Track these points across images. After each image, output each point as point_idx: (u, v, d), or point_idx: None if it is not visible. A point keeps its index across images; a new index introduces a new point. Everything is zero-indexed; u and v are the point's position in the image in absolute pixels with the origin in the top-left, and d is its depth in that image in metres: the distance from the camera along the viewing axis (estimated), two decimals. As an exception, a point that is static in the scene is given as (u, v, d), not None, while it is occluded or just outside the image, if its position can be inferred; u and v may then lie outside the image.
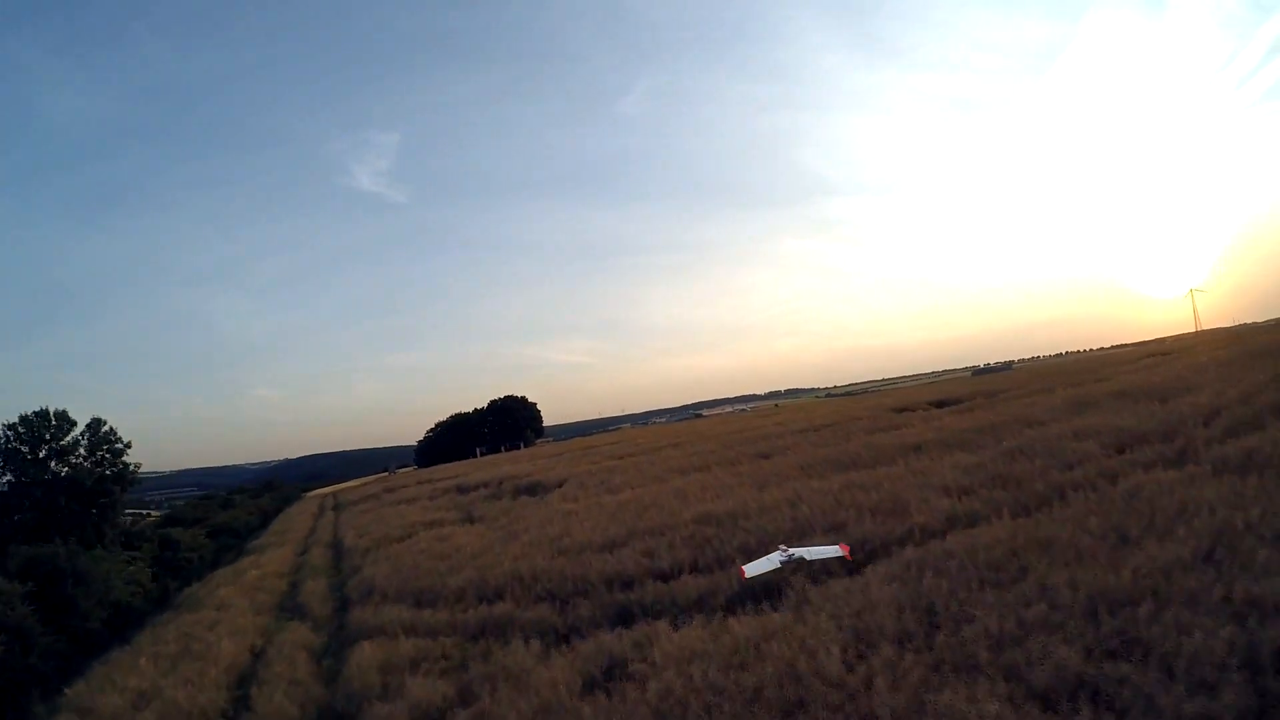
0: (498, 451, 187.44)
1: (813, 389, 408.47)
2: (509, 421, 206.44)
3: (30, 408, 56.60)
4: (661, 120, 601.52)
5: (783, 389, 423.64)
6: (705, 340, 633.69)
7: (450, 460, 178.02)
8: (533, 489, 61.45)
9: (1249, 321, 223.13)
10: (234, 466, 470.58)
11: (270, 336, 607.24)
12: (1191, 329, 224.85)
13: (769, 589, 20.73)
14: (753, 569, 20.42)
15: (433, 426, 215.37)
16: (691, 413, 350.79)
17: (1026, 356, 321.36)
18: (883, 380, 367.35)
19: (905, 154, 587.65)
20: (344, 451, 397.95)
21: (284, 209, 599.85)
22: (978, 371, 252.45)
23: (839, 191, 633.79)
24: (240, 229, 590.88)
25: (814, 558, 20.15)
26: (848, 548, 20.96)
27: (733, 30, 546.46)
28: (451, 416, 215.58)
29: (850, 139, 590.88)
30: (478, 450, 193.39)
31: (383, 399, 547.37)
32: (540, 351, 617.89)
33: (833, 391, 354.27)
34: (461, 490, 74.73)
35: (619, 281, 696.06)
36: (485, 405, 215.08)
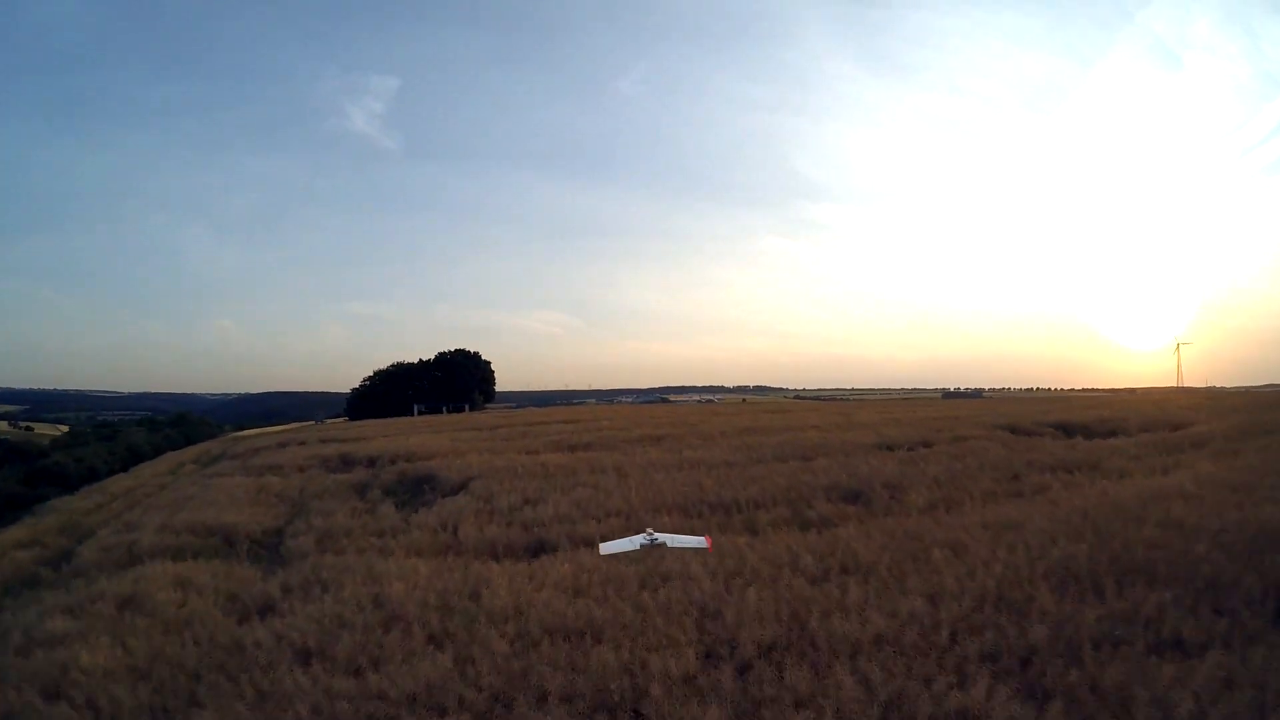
0: (438, 412, 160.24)
1: (781, 388, 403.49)
2: (456, 379, 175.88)
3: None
4: (656, 106, 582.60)
5: (750, 385, 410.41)
6: (676, 329, 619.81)
7: (384, 415, 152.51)
8: (420, 485, 39.17)
9: (1218, 385, 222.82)
10: (192, 395, 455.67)
11: (239, 270, 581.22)
12: (1172, 383, 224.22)
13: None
14: (608, 548, 17.88)
15: (370, 374, 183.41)
16: (658, 396, 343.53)
17: (998, 386, 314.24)
18: (851, 389, 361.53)
19: (897, 169, 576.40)
20: (304, 392, 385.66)
21: (268, 142, 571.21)
22: (947, 394, 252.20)
23: (826, 197, 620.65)
24: (220, 157, 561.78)
25: (675, 545, 17.73)
26: (710, 540, 18.52)
27: (739, 25, 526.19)
28: (392, 365, 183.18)
29: (843, 147, 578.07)
30: (415, 408, 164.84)
31: (347, 346, 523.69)
32: (511, 319, 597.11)
33: (801, 394, 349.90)
34: (345, 464, 51.09)
35: (596, 261, 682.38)
36: (432, 357, 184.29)
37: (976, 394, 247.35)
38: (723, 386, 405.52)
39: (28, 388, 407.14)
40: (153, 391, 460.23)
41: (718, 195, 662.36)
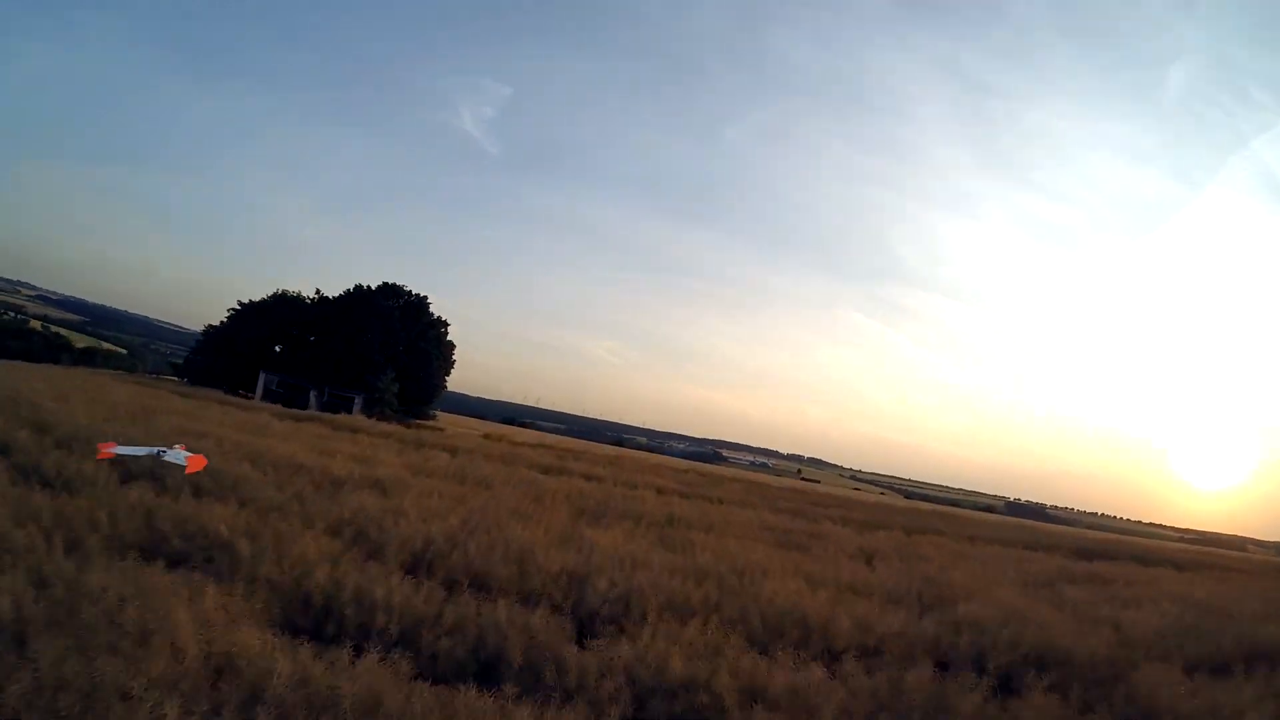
0: (300, 404, 68.53)
1: (835, 465, 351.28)
2: (358, 349, 73.66)
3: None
4: (761, 158, 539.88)
5: (804, 455, 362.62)
6: (738, 381, 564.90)
7: (223, 385, 71.72)
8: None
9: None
10: None
11: (324, 242, 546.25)
12: (1234, 527, 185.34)
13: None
14: (121, 450, 16.22)
15: (233, 307, 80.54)
16: (711, 449, 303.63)
17: (1060, 505, 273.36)
18: (909, 480, 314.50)
19: (990, 267, 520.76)
20: None
21: (379, 126, 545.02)
22: (1011, 505, 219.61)
23: (913, 283, 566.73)
24: (331, 130, 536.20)
25: (169, 460, 15.99)
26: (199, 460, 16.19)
27: (856, 93, 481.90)
28: (273, 295, 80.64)
29: (940, 235, 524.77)
30: (263, 382, 73.94)
31: None
32: (573, 339, 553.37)
33: (858, 474, 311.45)
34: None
35: (670, 297, 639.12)
36: (341, 294, 79.92)
37: (1040, 511, 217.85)
38: (777, 452, 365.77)
39: (99, 303, 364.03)
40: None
41: (806, 258, 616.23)
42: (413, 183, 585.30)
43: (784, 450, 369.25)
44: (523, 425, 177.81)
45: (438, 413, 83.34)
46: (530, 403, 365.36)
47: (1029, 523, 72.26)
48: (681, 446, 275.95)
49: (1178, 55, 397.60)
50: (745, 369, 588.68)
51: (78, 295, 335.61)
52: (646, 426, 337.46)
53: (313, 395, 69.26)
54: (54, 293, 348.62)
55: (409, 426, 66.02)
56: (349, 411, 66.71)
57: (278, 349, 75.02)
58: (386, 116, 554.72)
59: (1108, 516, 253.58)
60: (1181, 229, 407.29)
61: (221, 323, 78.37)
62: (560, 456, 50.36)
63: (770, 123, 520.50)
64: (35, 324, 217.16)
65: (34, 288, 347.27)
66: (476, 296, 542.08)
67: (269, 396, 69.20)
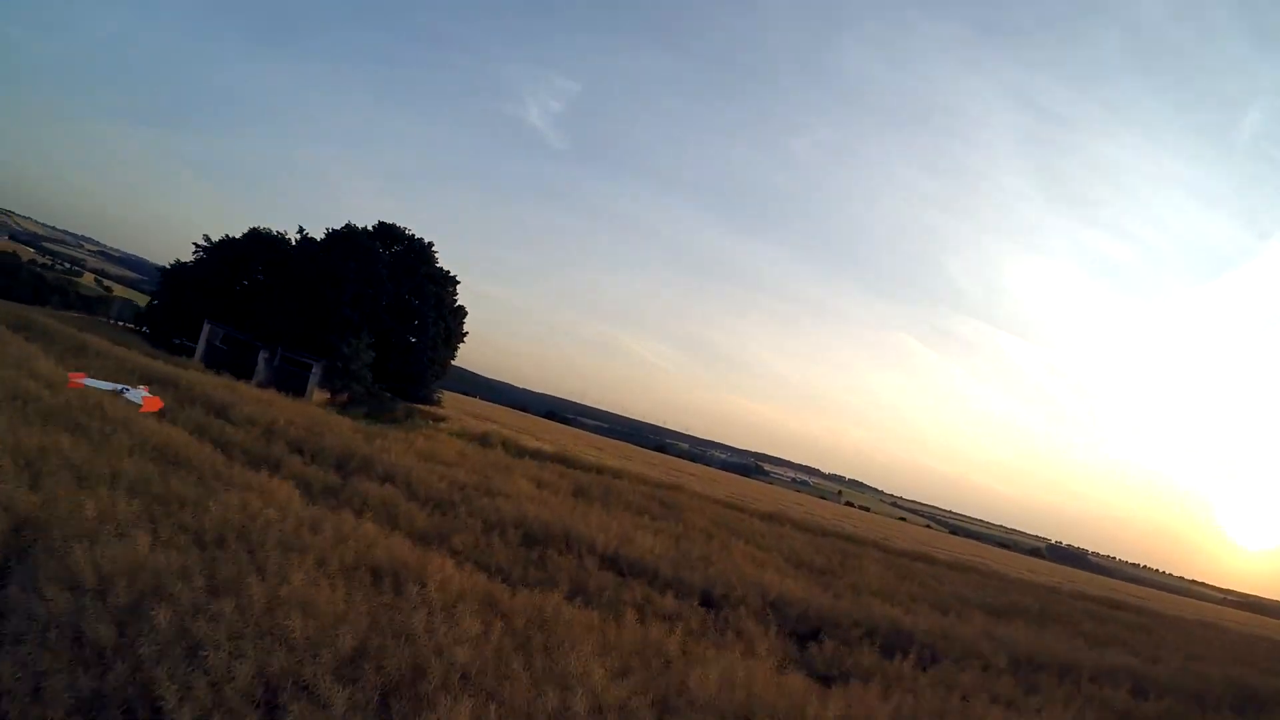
0: (277, 381, 49.00)
1: (875, 489, 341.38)
2: (321, 300, 50.31)
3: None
4: (824, 172, 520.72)
5: (845, 476, 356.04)
6: (782, 394, 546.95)
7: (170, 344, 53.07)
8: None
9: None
10: None
11: (384, 219, 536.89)
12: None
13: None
14: (90, 382, 17.32)
15: (199, 244, 58.28)
16: (753, 462, 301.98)
17: (1102, 552, 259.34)
18: (948, 510, 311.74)
19: (1046, 301, 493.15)
20: None
21: (446, 110, 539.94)
22: (1051, 549, 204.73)
23: (970, 312, 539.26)
24: (397, 109, 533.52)
25: (128, 399, 17.27)
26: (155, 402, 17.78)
27: (924, 113, 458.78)
28: (251, 233, 58.41)
29: (999, 266, 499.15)
30: (206, 335, 51.87)
31: (470, 322, 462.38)
32: (625, 340, 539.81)
33: (899, 501, 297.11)
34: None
35: (722, 306, 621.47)
36: (327, 232, 55.55)
37: (1082, 557, 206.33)
38: (818, 470, 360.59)
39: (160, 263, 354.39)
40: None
41: (863, 278, 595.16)
42: (476, 170, 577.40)
43: (825, 469, 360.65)
44: (564, 421, 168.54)
45: (441, 394, 63.25)
46: (574, 398, 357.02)
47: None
48: (723, 456, 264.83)
49: (1254, 97, 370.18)
50: (791, 384, 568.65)
51: (140, 254, 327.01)
52: (688, 432, 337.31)
53: (262, 357, 49.65)
54: (117, 250, 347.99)
55: (385, 417, 46.40)
56: (301, 388, 47.10)
57: (236, 296, 54.77)
58: (451, 103, 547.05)
59: (1148, 569, 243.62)
60: (1247, 277, 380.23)
61: (181, 262, 58.79)
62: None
63: (837, 138, 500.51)
64: (89, 277, 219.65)
65: (97, 243, 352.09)
66: (529, 286, 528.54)
67: (211, 356, 50.03)
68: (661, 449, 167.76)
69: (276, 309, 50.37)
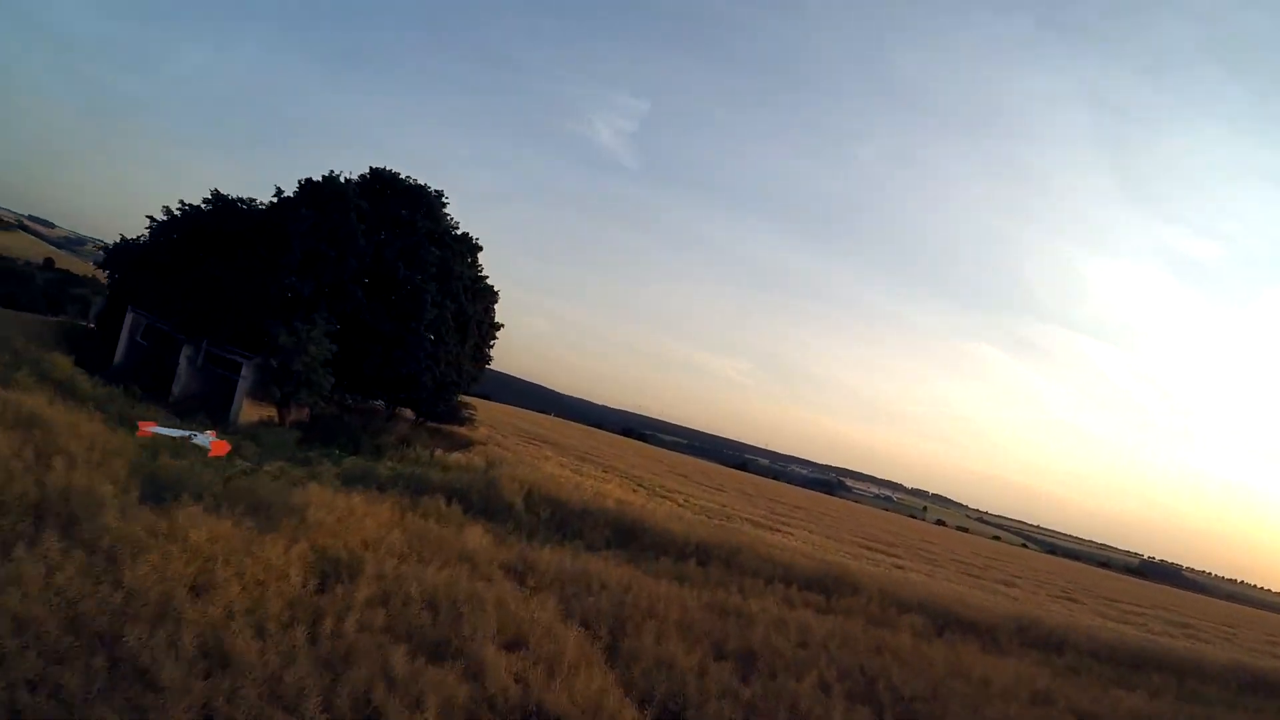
0: (195, 392, 31.55)
1: (960, 504, 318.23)
2: (259, 272, 31.61)
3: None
4: (891, 180, 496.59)
5: (928, 490, 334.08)
6: (859, 411, 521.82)
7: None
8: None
9: None
10: None
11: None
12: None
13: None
14: (160, 430, 17.27)
15: (153, 217, 38.21)
16: (835, 477, 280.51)
17: (1197, 568, 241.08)
18: (1034, 526, 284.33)
19: (1126, 303, 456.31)
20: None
21: (517, 132, 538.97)
22: (1145, 564, 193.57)
23: (1046, 317, 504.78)
24: (467, 132, 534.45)
25: (196, 443, 17.12)
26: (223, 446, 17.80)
27: (989, 116, 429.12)
28: (214, 198, 37.27)
29: (1077, 269, 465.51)
30: (184, 357, 34.39)
31: (539, 340, 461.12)
32: (701, 357, 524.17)
33: (984, 516, 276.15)
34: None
35: (796, 321, 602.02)
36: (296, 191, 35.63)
37: (1176, 573, 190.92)
38: (901, 485, 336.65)
39: None
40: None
41: (935, 287, 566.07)
42: (547, 189, 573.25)
43: (908, 485, 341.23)
44: (642, 438, 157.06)
45: (473, 409, 44.44)
46: (651, 414, 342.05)
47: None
48: (804, 472, 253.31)
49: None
50: (868, 398, 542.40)
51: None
52: (768, 448, 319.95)
53: (184, 357, 31.60)
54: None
55: (360, 444, 28.15)
56: (222, 407, 28.91)
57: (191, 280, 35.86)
58: (522, 125, 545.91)
59: (1247, 584, 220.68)
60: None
61: (128, 240, 40.04)
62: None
63: (903, 146, 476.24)
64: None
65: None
66: (606, 305, 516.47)
67: (131, 356, 32.75)
68: (743, 466, 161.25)
69: (204, 285, 31.72)
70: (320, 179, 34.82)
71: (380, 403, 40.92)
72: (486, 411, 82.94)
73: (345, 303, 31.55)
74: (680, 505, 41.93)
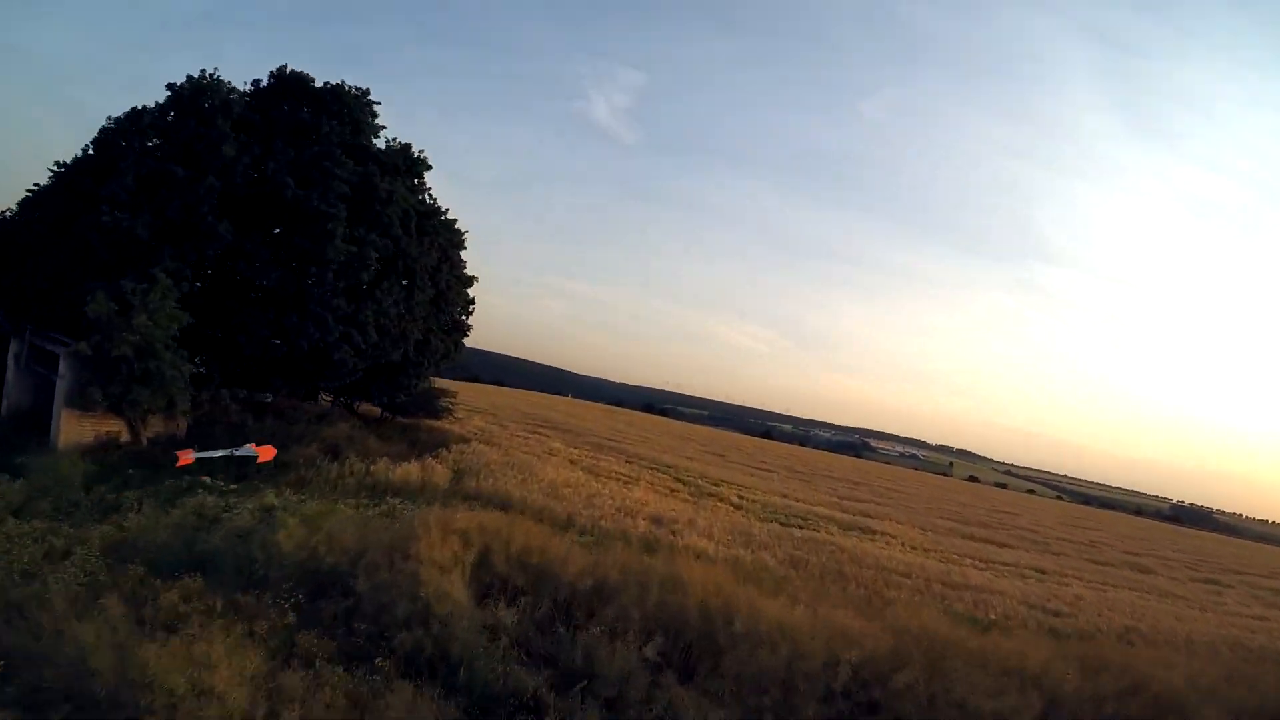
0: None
1: (986, 458, 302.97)
2: (87, 220, 20.15)
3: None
4: (897, 133, 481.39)
5: (953, 446, 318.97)
6: (880, 370, 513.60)
7: None
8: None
9: None
10: None
11: (474, 229, 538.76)
12: None
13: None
14: (201, 455, 13.36)
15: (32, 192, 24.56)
16: (859, 438, 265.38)
17: (1228, 510, 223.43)
18: (1063, 476, 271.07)
19: (1147, 247, 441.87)
20: (511, 357, 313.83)
21: (515, 115, 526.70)
22: (1175, 508, 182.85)
23: (1058, 262, 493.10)
24: (469, 119, 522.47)
25: (240, 455, 14.13)
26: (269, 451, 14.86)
27: (997, 61, 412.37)
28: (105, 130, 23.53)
29: (1087, 211, 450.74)
30: (10, 355, 23.29)
31: (563, 323, 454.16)
32: (716, 326, 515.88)
33: (1012, 470, 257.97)
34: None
35: (810, 282, 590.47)
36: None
37: (1207, 516, 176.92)
38: (924, 443, 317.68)
39: None
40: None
41: (947, 237, 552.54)
42: (554, 169, 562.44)
43: (932, 441, 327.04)
44: (663, 413, 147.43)
45: (451, 397, 33.23)
46: (670, 388, 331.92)
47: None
48: (827, 436, 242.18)
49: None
50: (885, 355, 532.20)
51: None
52: (790, 414, 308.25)
53: (10, 354, 20.71)
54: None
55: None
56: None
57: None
58: (519, 107, 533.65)
59: (1277, 524, 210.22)
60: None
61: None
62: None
63: (907, 97, 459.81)
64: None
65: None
66: (613, 281, 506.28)
67: None
68: (767, 434, 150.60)
69: (31, 250, 20.82)
70: (185, 81, 22.32)
71: (331, 398, 29.99)
72: (490, 398, 71.57)
73: (206, 245, 19.63)
74: (737, 505, 30.62)
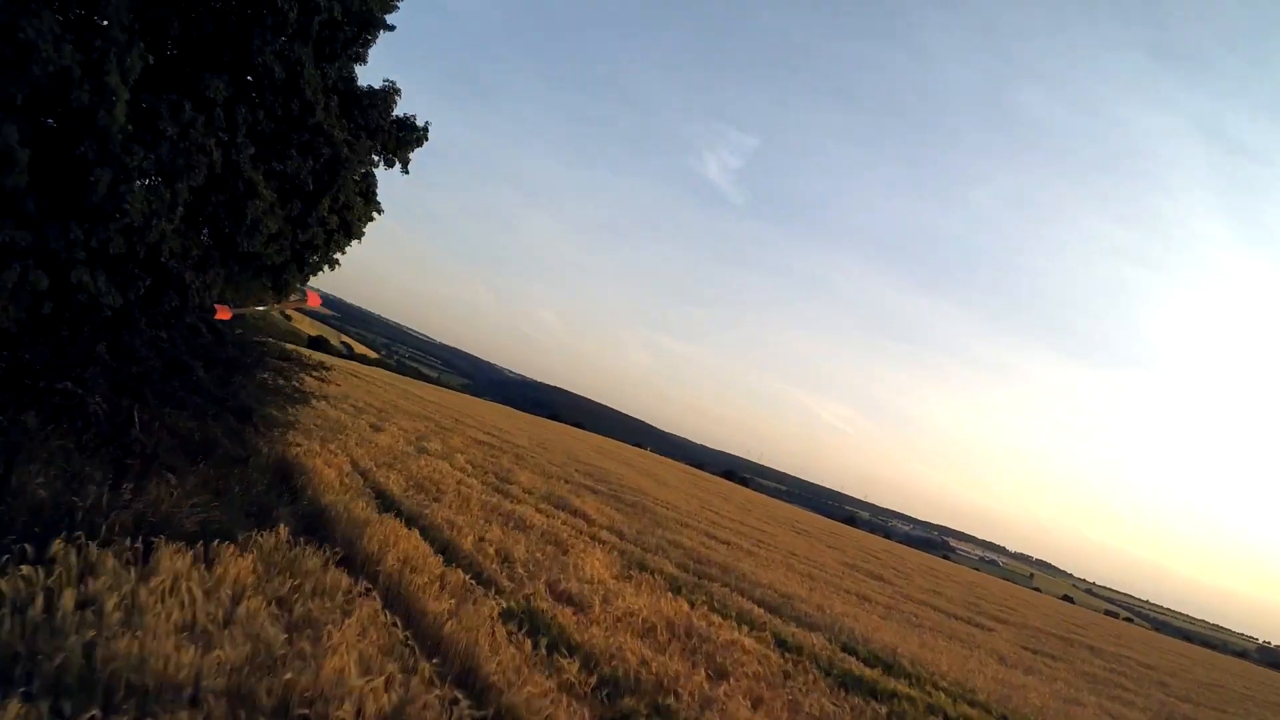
0: None
1: (1065, 572, 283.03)
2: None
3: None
4: (1007, 225, 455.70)
5: (1032, 556, 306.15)
6: (964, 465, 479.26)
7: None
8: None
9: None
10: (492, 365, 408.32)
11: (574, 269, 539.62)
12: None
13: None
14: (237, 309, 11.98)
15: None
16: (938, 536, 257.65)
17: None
18: (1144, 602, 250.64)
19: (1254, 361, 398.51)
20: (593, 401, 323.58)
21: (628, 165, 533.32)
22: (1262, 650, 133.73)
23: (1166, 375, 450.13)
24: (583, 164, 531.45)
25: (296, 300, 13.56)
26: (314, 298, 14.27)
27: (1109, 157, 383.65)
28: None
29: (1200, 322, 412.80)
30: None
31: (648, 374, 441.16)
32: (802, 398, 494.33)
33: (1093, 589, 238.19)
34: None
35: (901, 367, 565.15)
36: None
37: None
38: (1004, 549, 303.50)
39: (351, 301, 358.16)
40: (459, 349, 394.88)
41: (1052, 339, 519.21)
42: (658, 222, 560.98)
43: (1011, 548, 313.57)
44: (742, 482, 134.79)
45: (327, 366, 14.94)
46: (751, 457, 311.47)
47: None
48: (907, 529, 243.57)
49: None
50: (973, 452, 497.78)
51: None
52: (869, 500, 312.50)
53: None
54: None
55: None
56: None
57: None
58: (633, 158, 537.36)
59: None
60: None
61: None
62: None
63: (1017, 188, 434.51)
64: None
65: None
66: (705, 341, 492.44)
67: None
68: (851, 521, 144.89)
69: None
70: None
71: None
72: (540, 431, 51.54)
73: None
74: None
